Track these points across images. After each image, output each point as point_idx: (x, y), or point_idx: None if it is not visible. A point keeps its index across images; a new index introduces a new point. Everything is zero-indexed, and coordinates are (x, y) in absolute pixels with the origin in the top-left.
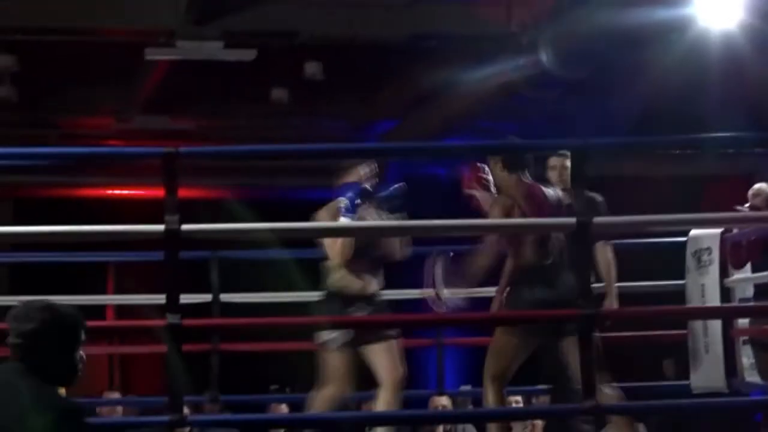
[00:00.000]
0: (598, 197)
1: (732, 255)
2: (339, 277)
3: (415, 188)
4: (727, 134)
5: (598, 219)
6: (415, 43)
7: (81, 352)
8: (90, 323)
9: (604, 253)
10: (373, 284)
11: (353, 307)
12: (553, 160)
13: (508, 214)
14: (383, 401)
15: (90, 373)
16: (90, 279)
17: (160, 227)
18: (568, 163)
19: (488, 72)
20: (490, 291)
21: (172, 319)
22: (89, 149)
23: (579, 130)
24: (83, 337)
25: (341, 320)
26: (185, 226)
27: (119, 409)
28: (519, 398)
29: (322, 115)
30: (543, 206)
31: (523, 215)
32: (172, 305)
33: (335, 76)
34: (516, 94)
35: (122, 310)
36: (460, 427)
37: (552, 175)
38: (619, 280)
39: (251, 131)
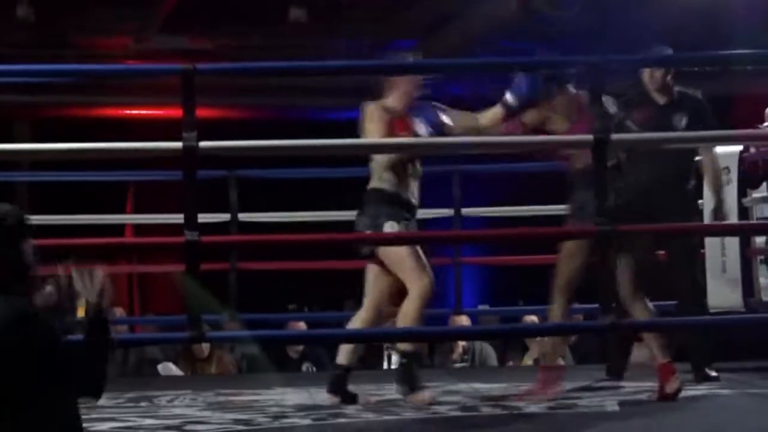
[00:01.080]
0: (698, 95)
1: (748, 174)
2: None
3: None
4: (754, 51)
5: (616, 135)
6: None
7: (27, 248)
8: (109, 240)
9: (709, 160)
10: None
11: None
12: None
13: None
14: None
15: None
16: (109, 199)
17: (178, 144)
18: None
19: None
20: (508, 210)
21: (190, 236)
22: (107, 66)
23: (603, 48)
24: (27, 234)
25: (361, 237)
26: (203, 144)
27: (123, 327)
28: (534, 317)
29: (341, 35)
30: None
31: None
32: (190, 222)
33: None
34: (537, 12)
35: (141, 230)
36: (477, 345)
37: (647, 78)
38: None
39: (269, 51)
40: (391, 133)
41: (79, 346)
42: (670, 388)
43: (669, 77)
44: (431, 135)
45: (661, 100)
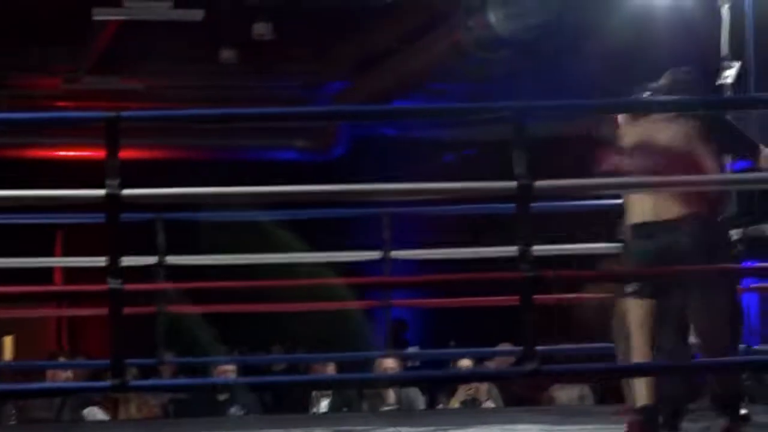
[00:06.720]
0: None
1: None
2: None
3: (366, 149)
4: (673, 97)
5: (539, 183)
6: (366, 2)
7: None
8: (34, 288)
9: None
10: None
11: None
12: None
13: None
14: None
15: (39, 335)
16: (38, 241)
17: (101, 192)
18: None
19: (439, 32)
20: (438, 253)
21: (113, 283)
22: (30, 115)
23: (532, 91)
24: None
25: (287, 283)
26: (126, 191)
27: (66, 373)
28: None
29: (272, 76)
30: None
31: None
32: (114, 270)
33: (285, 37)
34: (467, 55)
35: (71, 272)
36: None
37: None
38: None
39: (201, 91)
40: None
41: None
42: None
43: None
44: None
45: None
